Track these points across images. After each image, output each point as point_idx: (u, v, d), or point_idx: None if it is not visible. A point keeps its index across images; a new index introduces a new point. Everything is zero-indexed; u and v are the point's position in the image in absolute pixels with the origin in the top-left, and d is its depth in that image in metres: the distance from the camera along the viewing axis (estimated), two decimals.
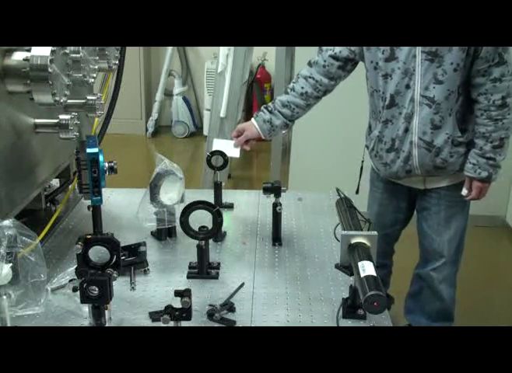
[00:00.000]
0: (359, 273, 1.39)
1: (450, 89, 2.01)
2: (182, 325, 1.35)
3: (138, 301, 1.58)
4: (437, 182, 2.24)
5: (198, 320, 1.48)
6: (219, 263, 1.77)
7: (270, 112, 2.20)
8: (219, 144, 2.17)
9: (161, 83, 6.03)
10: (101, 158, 1.62)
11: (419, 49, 1.97)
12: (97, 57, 1.86)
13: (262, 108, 2.23)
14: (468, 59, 1.97)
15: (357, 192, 2.39)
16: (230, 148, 2.17)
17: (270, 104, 2.23)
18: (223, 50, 3.88)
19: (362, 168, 2.47)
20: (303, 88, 2.18)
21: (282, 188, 1.92)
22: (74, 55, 1.62)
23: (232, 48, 3.85)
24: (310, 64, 2.21)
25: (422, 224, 2.37)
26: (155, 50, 6.17)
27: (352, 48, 2.11)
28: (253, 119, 2.22)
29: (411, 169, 2.17)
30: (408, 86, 2.04)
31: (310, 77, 2.18)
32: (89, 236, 1.45)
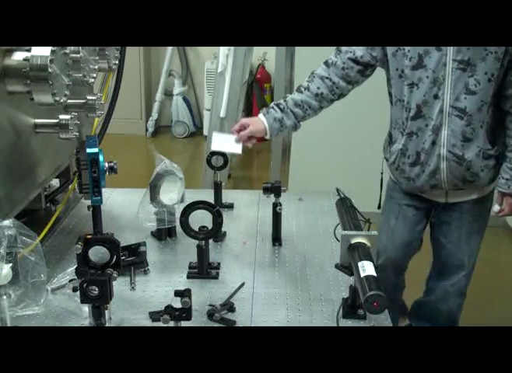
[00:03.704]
0: (359, 273, 1.39)
1: (483, 100, 1.89)
2: (182, 325, 1.35)
3: (138, 301, 1.58)
4: (461, 196, 2.11)
5: (198, 320, 1.48)
6: (219, 263, 1.77)
7: (282, 110, 2.05)
8: (218, 139, 2.04)
9: (161, 83, 6.03)
10: (101, 158, 1.62)
11: (450, 57, 1.84)
12: (97, 57, 1.86)
13: (273, 105, 2.08)
14: (502, 69, 1.86)
15: (379, 207, 2.29)
16: (231, 144, 2.01)
17: (282, 101, 2.07)
18: (223, 50, 3.88)
19: (382, 180, 2.32)
20: (318, 88, 2.04)
21: (282, 188, 1.91)
22: (74, 55, 1.62)
23: (232, 48, 3.85)
24: (327, 64, 2.06)
25: (439, 238, 2.24)
26: (155, 50, 6.17)
27: (374, 54, 1.99)
28: (261, 115, 2.06)
29: (437, 183, 2.03)
30: (436, 96, 1.90)
31: (327, 77, 2.04)
32: (89, 236, 1.45)
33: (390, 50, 1.95)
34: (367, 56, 2.00)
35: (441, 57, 1.85)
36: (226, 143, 2.03)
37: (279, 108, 2.05)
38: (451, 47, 1.83)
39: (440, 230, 2.23)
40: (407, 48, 1.90)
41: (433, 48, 1.85)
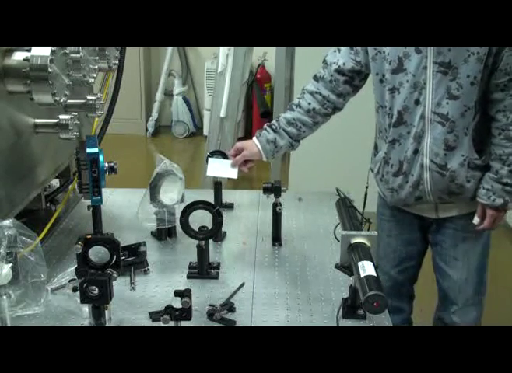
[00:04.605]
0: (359, 273, 1.39)
1: (466, 105, 1.79)
2: (182, 325, 1.35)
3: (138, 301, 1.58)
4: (451, 210, 1.99)
5: (198, 320, 1.48)
6: (219, 263, 1.77)
7: (274, 131, 2.02)
8: (214, 165, 2.06)
9: (161, 83, 6.04)
10: (101, 158, 1.62)
11: (430, 60, 1.76)
12: (97, 57, 1.86)
13: (265, 126, 2.05)
14: (486, 71, 1.76)
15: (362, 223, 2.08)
16: (227, 169, 2.04)
17: (274, 122, 2.04)
18: (223, 50, 3.89)
19: (366, 195, 2.17)
20: (309, 104, 2.00)
21: (282, 188, 1.91)
22: (74, 55, 1.62)
23: (232, 48, 3.85)
24: (316, 78, 2.02)
25: (436, 261, 2.11)
26: (155, 50, 6.18)
27: (358, 58, 1.93)
28: (255, 138, 2.04)
29: (421, 195, 1.93)
30: (417, 102, 1.82)
31: (316, 92, 2.00)
32: (89, 236, 1.45)
33: (370, 53, 1.89)
34: (350, 62, 1.94)
35: (421, 60, 1.77)
36: (221, 168, 2.05)
37: (272, 129, 2.03)
38: (431, 49, 1.75)
39: (436, 251, 2.12)
40: (386, 51, 1.83)
41: (412, 51, 1.78)
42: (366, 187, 2.16)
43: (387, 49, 1.83)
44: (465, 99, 1.79)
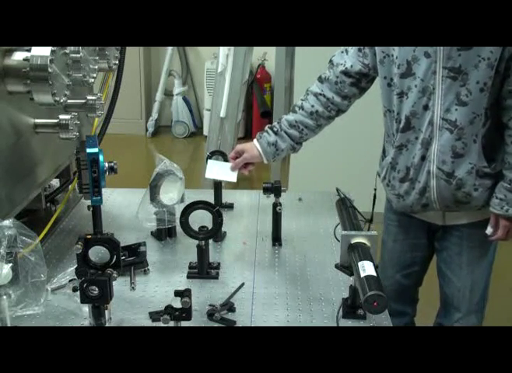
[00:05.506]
0: (359, 273, 1.39)
1: (475, 112, 1.74)
2: (182, 325, 1.35)
3: (138, 301, 1.58)
4: (459, 218, 1.94)
5: (198, 320, 1.48)
6: (219, 263, 1.77)
7: (275, 133, 1.99)
8: (213, 168, 2.04)
9: (161, 83, 6.04)
10: (101, 158, 1.62)
11: (439, 64, 1.71)
12: (97, 57, 1.86)
13: (267, 128, 2.02)
14: (498, 77, 1.71)
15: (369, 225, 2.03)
16: (226, 172, 2.02)
17: (275, 124, 2.01)
18: (223, 50, 3.89)
19: (374, 197, 2.12)
20: (313, 106, 1.96)
21: (282, 188, 1.91)
22: (74, 55, 1.62)
23: (232, 48, 3.86)
24: (320, 79, 1.98)
25: (441, 266, 2.09)
26: (155, 50, 6.18)
27: (366, 61, 1.88)
28: (255, 140, 2.01)
29: (428, 202, 1.89)
30: (426, 107, 1.77)
31: (320, 94, 1.96)
32: (89, 236, 1.45)
33: (378, 56, 1.84)
34: (358, 64, 1.90)
35: (430, 65, 1.72)
36: (220, 171, 2.03)
37: (273, 131, 1.99)
38: (441, 54, 1.71)
39: (442, 257, 2.08)
40: (395, 55, 1.78)
41: (421, 55, 1.73)
42: (375, 189, 2.11)
43: (395, 52, 1.79)
44: (474, 105, 1.74)
